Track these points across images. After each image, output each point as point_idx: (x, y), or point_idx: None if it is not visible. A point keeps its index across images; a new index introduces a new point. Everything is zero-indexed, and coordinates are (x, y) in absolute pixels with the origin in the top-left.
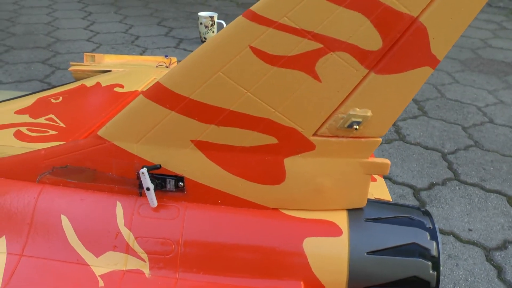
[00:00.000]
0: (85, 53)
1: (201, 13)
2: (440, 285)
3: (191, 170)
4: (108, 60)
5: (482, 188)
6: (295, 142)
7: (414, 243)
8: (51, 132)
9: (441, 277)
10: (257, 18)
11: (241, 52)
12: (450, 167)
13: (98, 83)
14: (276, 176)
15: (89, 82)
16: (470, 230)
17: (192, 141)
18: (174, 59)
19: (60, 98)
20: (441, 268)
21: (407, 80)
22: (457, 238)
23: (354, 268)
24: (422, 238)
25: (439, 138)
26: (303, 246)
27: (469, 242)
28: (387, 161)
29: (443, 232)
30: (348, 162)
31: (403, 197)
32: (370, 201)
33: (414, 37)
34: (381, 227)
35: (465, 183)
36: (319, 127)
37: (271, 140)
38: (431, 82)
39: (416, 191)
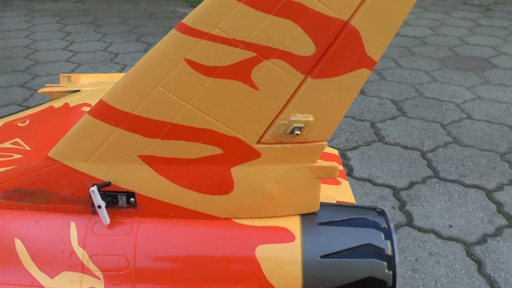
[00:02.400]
0: (61, 74)
1: None
2: (422, 283)
3: (141, 185)
4: (84, 79)
5: (462, 183)
6: (240, 151)
7: (368, 244)
8: (16, 156)
9: (422, 275)
10: (189, 31)
11: (177, 65)
12: (429, 165)
13: (66, 104)
14: (224, 186)
15: (57, 103)
16: (450, 226)
17: (139, 156)
18: None
19: (27, 121)
20: (397, 267)
21: (345, 83)
22: (438, 235)
23: (308, 272)
24: (377, 239)
25: (418, 137)
26: (256, 254)
27: (449, 238)
28: (335, 164)
29: (423, 230)
30: (295, 168)
31: (383, 198)
32: (324, 205)
33: (347, 40)
34: (335, 230)
35: (445, 180)
36: (262, 135)
37: (216, 150)
38: (410, 82)
39: (396, 191)
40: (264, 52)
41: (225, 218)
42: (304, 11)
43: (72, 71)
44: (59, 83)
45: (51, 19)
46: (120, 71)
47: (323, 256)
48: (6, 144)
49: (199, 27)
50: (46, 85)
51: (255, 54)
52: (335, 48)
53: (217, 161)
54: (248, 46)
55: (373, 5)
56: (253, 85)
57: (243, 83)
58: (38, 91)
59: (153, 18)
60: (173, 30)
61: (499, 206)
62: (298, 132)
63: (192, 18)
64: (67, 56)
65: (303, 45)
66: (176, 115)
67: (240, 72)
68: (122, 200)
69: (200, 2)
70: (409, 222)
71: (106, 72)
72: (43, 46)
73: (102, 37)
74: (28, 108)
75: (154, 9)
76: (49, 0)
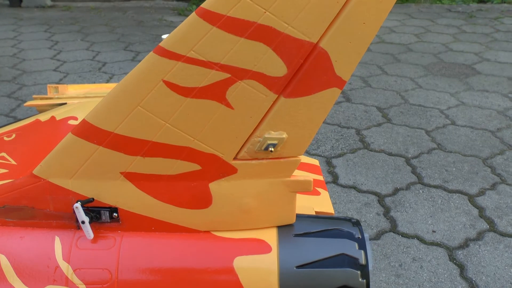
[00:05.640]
0: (48, 85)
1: (164, 36)
2: None
3: (123, 200)
4: (72, 90)
5: (445, 189)
6: (217, 167)
7: (342, 254)
8: (2, 170)
9: (406, 280)
10: (166, 53)
11: (156, 86)
12: (414, 171)
13: (52, 117)
14: (203, 200)
15: (44, 117)
16: (433, 231)
17: (121, 173)
18: None
19: (13, 135)
20: (370, 274)
21: (316, 102)
22: (421, 240)
23: (284, 282)
24: (351, 249)
25: (403, 143)
26: (234, 265)
27: (433, 243)
28: (310, 178)
29: (407, 236)
30: (271, 182)
31: (368, 205)
32: (300, 217)
33: (317, 61)
34: (310, 241)
35: (428, 185)
36: (238, 152)
37: (195, 167)
38: (395, 89)
39: (381, 198)
40: (238, 73)
41: (204, 231)
42: (275, 34)
43: (60, 81)
44: (46, 93)
45: (39, 27)
46: (108, 81)
47: (298, 266)
48: None
49: (175, 50)
50: (33, 96)
51: (229, 75)
52: (306, 69)
53: (195, 177)
54: (222, 67)
55: (341, 28)
56: (228, 105)
57: (218, 103)
58: (25, 104)
59: (141, 26)
60: (151, 53)
61: (481, 210)
62: (272, 149)
63: (169, 41)
64: (55, 65)
65: (275, 66)
66: (155, 133)
67: (215, 93)
68: (105, 215)
69: (186, 10)
70: (393, 228)
71: (94, 82)
72: (30, 55)
73: (90, 46)
74: (16, 120)
75: (141, 17)
76: (36, 8)
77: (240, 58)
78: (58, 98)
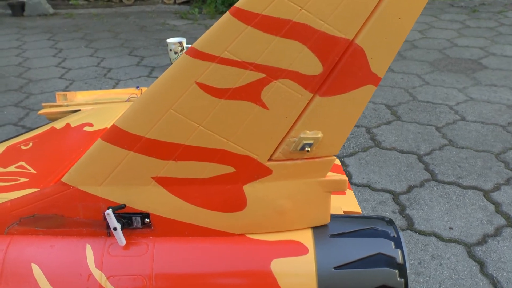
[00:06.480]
0: (57, 93)
1: (169, 40)
2: (426, 286)
3: (155, 206)
4: (80, 97)
5: (459, 185)
6: (252, 169)
7: (379, 253)
8: (22, 179)
9: (426, 278)
10: (199, 55)
11: (189, 89)
12: (426, 168)
13: (67, 124)
14: (237, 203)
15: (59, 124)
16: (450, 228)
17: (153, 178)
18: (145, 89)
19: (30, 144)
20: (408, 273)
21: (352, 100)
22: (439, 237)
23: (323, 284)
24: (387, 248)
25: (414, 140)
26: (271, 268)
27: (450, 240)
28: (344, 177)
29: (424, 234)
30: (305, 183)
31: (383, 203)
32: (334, 217)
33: (352, 58)
34: (346, 241)
35: (442, 182)
36: (273, 152)
37: (228, 169)
38: (402, 86)
39: (395, 196)
40: (273, 73)
41: (239, 234)
42: (310, 32)
43: (66, 88)
44: (54, 101)
45: (42, 36)
46: (114, 86)
47: (336, 267)
48: (11, 168)
49: (209, 51)
50: (43, 104)
51: (264, 75)
52: (341, 67)
53: (230, 179)
54: (257, 67)
55: (377, 24)
56: (263, 105)
57: (253, 104)
58: (38, 113)
59: (143, 31)
60: (184, 54)
61: (497, 206)
62: (309, 149)
63: (202, 42)
64: (60, 73)
65: (311, 64)
66: (188, 137)
67: (250, 93)
68: (136, 221)
69: (189, 13)
70: (410, 226)
71: (101, 88)
72: (35, 64)
73: (94, 52)
74: (28, 129)
75: (144, 22)
76: (38, 17)
77: (275, 58)
78: (67, 105)
